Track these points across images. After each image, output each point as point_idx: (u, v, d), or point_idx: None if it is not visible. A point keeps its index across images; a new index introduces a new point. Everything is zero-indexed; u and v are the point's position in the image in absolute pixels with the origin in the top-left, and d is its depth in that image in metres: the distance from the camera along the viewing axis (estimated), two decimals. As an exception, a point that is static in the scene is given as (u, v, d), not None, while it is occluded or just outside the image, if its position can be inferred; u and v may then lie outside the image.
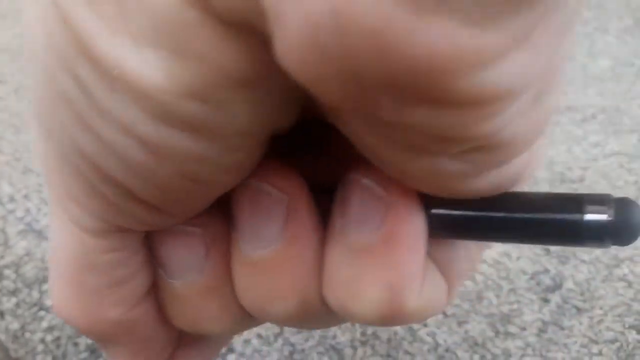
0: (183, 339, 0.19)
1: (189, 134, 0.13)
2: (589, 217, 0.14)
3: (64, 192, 0.15)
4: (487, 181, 0.15)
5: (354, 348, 0.30)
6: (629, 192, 0.40)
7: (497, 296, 0.32)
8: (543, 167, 0.42)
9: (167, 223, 0.16)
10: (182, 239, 0.17)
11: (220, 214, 0.17)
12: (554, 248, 0.35)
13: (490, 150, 0.13)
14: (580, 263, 0.34)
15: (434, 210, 0.16)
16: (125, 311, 0.17)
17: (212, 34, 0.11)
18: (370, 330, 0.30)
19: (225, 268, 0.17)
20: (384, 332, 0.30)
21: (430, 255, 0.17)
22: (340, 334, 0.30)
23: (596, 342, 0.30)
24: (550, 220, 0.15)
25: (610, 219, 0.14)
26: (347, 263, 0.16)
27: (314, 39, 0.10)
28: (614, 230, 0.14)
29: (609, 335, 0.30)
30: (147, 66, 0.12)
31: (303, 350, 0.29)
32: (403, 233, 0.15)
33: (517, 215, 0.15)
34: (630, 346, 0.30)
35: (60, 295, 0.17)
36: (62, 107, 0.13)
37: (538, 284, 0.33)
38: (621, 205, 0.15)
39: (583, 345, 0.30)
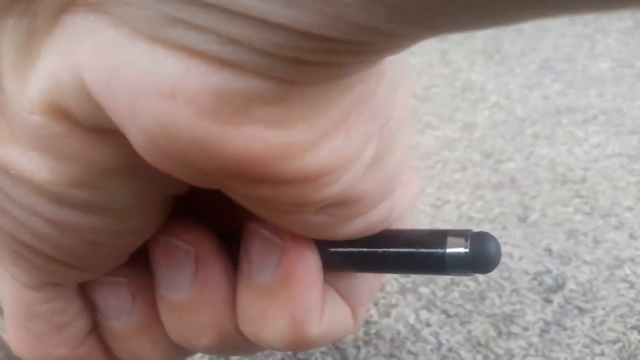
0: None
1: (81, 211, 0.15)
2: (450, 250, 0.17)
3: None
4: (355, 227, 0.17)
5: (357, 348, 0.30)
6: (630, 193, 0.40)
7: (500, 296, 0.32)
8: (545, 169, 0.42)
9: (90, 277, 0.19)
10: (110, 288, 0.19)
11: (143, 263, 0.19)
12: (556, 248, 0.35)
13: (344, 205, 0.16)
14: (583, 264, 0.34)
15: (331, 249, 0.19)
16: (70, 350, 0.20)
17: (80, 138, 0.14)
18: (373, 329, 0.30)
19: (153, 309, 0.20)
20: (387, 332, 0.30)
21: (332, 285, 0.20)
22: (344, 334, 0.30)
23: (598, 343, 0.30)
24: (420, 253, 0.18)
25: (468, 251, 0.17)
26: (254, 301, 0.19)
27: (153, 144, 0.13)
28: (472, 261, 0.17)
29: (611, 335, 0.30)
30: (34, 166, 0.14)
31: (306, 350, 0.29)
32: (297, 273, 0.18)
33: (393, 250, 0.18)
34: (633, 346, 0.30)
35: (12, 336, 0.20)
36: None
37: (540, 284, 0.33)
38: (478, 239, 0.17)
39: (585, 346, 0.30)
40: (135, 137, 0.13)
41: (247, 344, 0.20)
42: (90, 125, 0.14)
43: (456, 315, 0.31)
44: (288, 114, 0.13)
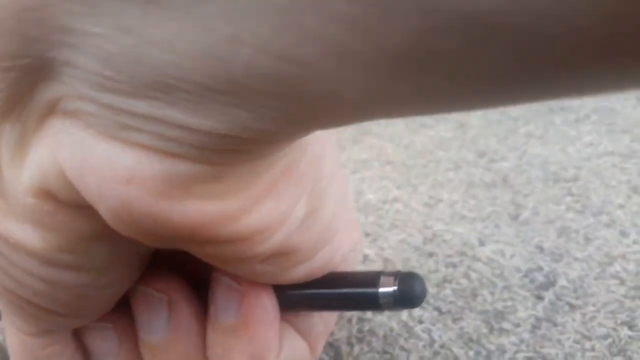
0: None
1: (68, 270, 0.18)
2: (382, 290, 0.20)
3: (4, 310, 0.21)
4: (299, 272, 0.20)
5: (351, 345, 0.30)
6: (622, 191, 0.40)
7: (492, 293, 0.33)
8: (537, 167, 0.43)
9: (81, 324, 0.22)
10: (99, 333, 0.22)
11: (126, 310, 0.22)
12: (547, 245, 0.36)
13: (285, 256, 0.19)
14: (574, 261, 0.35)
15: (287, 291, 0.21)
16: None
17: (64, 214, 0.17)
18: (366, 327, 0.31)
19: (136, 350, 0.23)
20: (380, 329, 0.31)
21: (290, 323, 0.23)
22: (337, 331, 0.31)
23: (589, 338, 0.30)
24: (357, 293, 0.20)
25: (396, 289, 0.19)
26: (220, 340, 0.21)
27: (117, 218, 0.16)
28: (400, 298, 0.19)
29: (602, 331, 0.31)
30: (28, 236, 0.18)
31: None
32: (255, 314, 0.21)
33: (335, 291, 0.21)
34: (622, 342, 0.30)
35: None
36: None
37: (532, 281, 0.33)
38: (405, 279, 0.20)
39: (576, 341, 0.30)
40: (104, 212, 0.16)
41: None
42: (70, 203, 0.17)
43: (448, 312, 0.32)
44: (222, 188, 0.16)
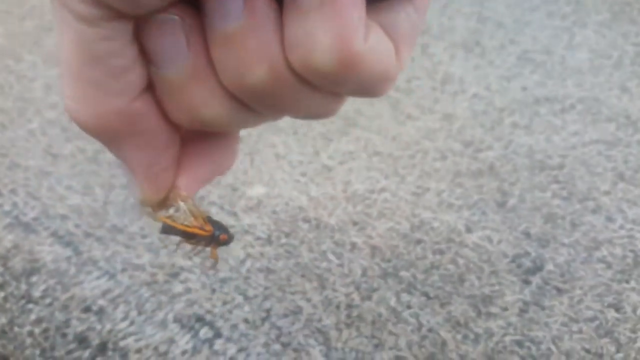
0: (187, 145, 0.23)
1: None
2: None
3: None
4: None
5: (339, 330, 0.30)
6: (607, 178, 0.40)
7: (479, 278, 0.33)
8: (523, 156, 0.43)
9: (147, 4, 0.20)
10: (165, 28, 0.21)
11: (193, 8, 0.21)
12: (534, 231, 0.36)
13: None
14: (560, 246, 0.35)
15: None
16: (128, 102, 0.21)
17: None
18: (355, 312, 0.31)
19: (206, 54, 0.21)
20: (368, 315, 0.31)
21: (374, 20, 0.21)
22: (326, 317, 0.31)
23: (576, 321, 0.31)
24: None
25: None
26: (301, 24, 0.20)
27: None
28: None
29: (589, 314, 0.31)
30: None
31: (290, 333, 0.30)
32: None
33: None
34: (610, 324, 0.30)
35: (69, 93, 0.21)
36: None
37: (519, 266, 0.34)
38: None
39: (563, 324, 0.30)
40: None
41: (298, 85, 0.21)
42: None
43: (436, 297, 0.32)
44: None
